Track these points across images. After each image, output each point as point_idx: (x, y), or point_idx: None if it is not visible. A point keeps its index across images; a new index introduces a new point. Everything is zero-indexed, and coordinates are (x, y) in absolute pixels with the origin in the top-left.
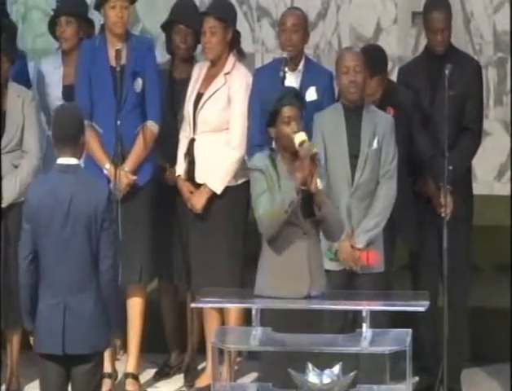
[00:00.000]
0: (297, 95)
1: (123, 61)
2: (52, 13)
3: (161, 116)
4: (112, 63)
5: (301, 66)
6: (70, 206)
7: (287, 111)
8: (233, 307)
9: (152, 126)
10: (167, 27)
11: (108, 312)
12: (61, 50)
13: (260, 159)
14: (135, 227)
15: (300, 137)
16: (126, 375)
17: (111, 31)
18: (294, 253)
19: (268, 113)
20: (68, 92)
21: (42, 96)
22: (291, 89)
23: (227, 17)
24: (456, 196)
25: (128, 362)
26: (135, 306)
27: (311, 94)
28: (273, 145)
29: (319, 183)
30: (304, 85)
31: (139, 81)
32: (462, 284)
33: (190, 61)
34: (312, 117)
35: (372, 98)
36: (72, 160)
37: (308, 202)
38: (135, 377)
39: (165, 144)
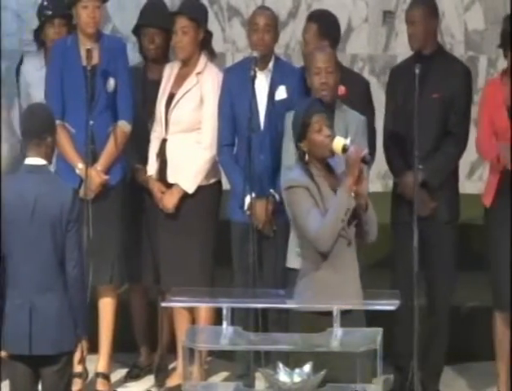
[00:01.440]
0: (322, 103)
1: (95, 61)
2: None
3: (132, 116)
4: (84, 62)
5: (270, 65)
6: (35, 207)
7: (316, 119)
8: (203, 306)
9: (124, 126)
10: (137, 30)
11: (74, 313)
12: (44, 51)
13: (299, 175)
14: (106, 227)
15: (340, 142)
16: (97, 375)
17: (82, 31)
18: (343, 267)
19: (298, 128)
20: None
21: (24, 96)
22: (314, 99)
23: (199, 17)
24: (440, 197)
25: (99, 362)
26: (106, 306)
27: (281, 93)
28: (306, 159)
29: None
30: (274, 84)
31: (111, 81)
32: (446, 285)
33: (162, 62)
34: (283, 116)
35: None
36: (39, 161)
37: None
38: (106, 377)
39: (139, 145)
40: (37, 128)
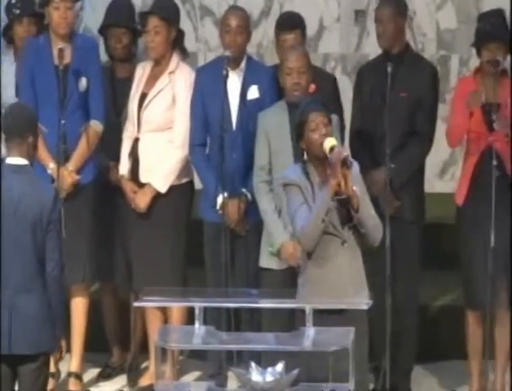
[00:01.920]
0: (322, 102)
1: (67, 60)
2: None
3: (104, 115)
4: (56, 62)
5: (243, 65)
6: (17, 206)
7: (312, 117)
8: (176, 306)
9: (96, 126)
10: (104, 30)
11: (53, 313)
12: (13, 48)
13: (294, 172)
14: (78, 227)
15: (329, 142)
16: (69, 375)
17: (54, 31)
18: (335, 265)
19: (297, 126)
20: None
21: None
22: (314, 97)
23: (171, 16)
24: (404, 197)
25: (71, 362)
26: (78, 306)
27: (253, 93)
28: (305, 158)
29: (354, 187)
30: (246, 84)
31: (83, 81)
32: (413, 284)
33: (130, 60)
34: (255, 116)
35: None
36: (21, 160)
37: (344, 209)
38: (78, 377)
39: (109, 143)
40: (19, 127)
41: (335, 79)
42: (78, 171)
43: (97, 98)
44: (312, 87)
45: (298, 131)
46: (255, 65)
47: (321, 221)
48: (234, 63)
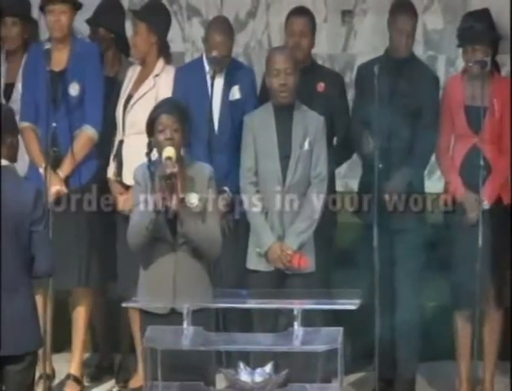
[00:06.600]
0: (177, 105)
1: (63, 65)
2: None
3: (99, 119)
4: (52, 66)
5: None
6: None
7: (162, 119)
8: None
9: (88, 130)
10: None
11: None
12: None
13: (139, 170)
14: (76, 230)
15: (166, 152)
16: (68, 377)
17: (50, 35)
18: (159, 269)
19: (147, 123)
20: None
21: None
22: (170, 100)
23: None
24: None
25: (72, 364)
26: (79, 309)
27: (235, 94)
28: (153, 157)
29: (193, 200)
30: (228, 85)
31: (76, 86)
32: (414, 284)
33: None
34: (237, 116)
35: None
36: (2, 162)
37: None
38: (77, 380)
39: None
40: None
41: (343, 79)
42: (68, 176)
43: (91, 102)
44: (321, 86)
45: (148, 128)
46: (237, 66)
47: (145, 229)
48: (221, 64)
